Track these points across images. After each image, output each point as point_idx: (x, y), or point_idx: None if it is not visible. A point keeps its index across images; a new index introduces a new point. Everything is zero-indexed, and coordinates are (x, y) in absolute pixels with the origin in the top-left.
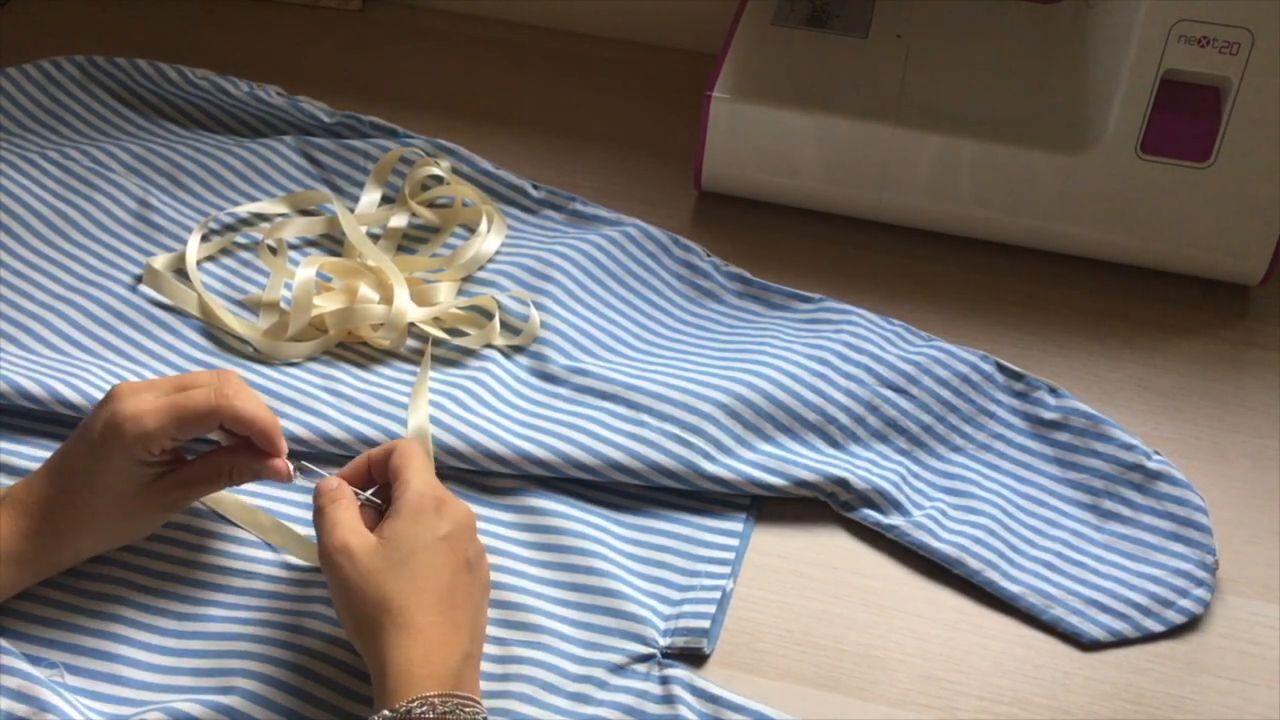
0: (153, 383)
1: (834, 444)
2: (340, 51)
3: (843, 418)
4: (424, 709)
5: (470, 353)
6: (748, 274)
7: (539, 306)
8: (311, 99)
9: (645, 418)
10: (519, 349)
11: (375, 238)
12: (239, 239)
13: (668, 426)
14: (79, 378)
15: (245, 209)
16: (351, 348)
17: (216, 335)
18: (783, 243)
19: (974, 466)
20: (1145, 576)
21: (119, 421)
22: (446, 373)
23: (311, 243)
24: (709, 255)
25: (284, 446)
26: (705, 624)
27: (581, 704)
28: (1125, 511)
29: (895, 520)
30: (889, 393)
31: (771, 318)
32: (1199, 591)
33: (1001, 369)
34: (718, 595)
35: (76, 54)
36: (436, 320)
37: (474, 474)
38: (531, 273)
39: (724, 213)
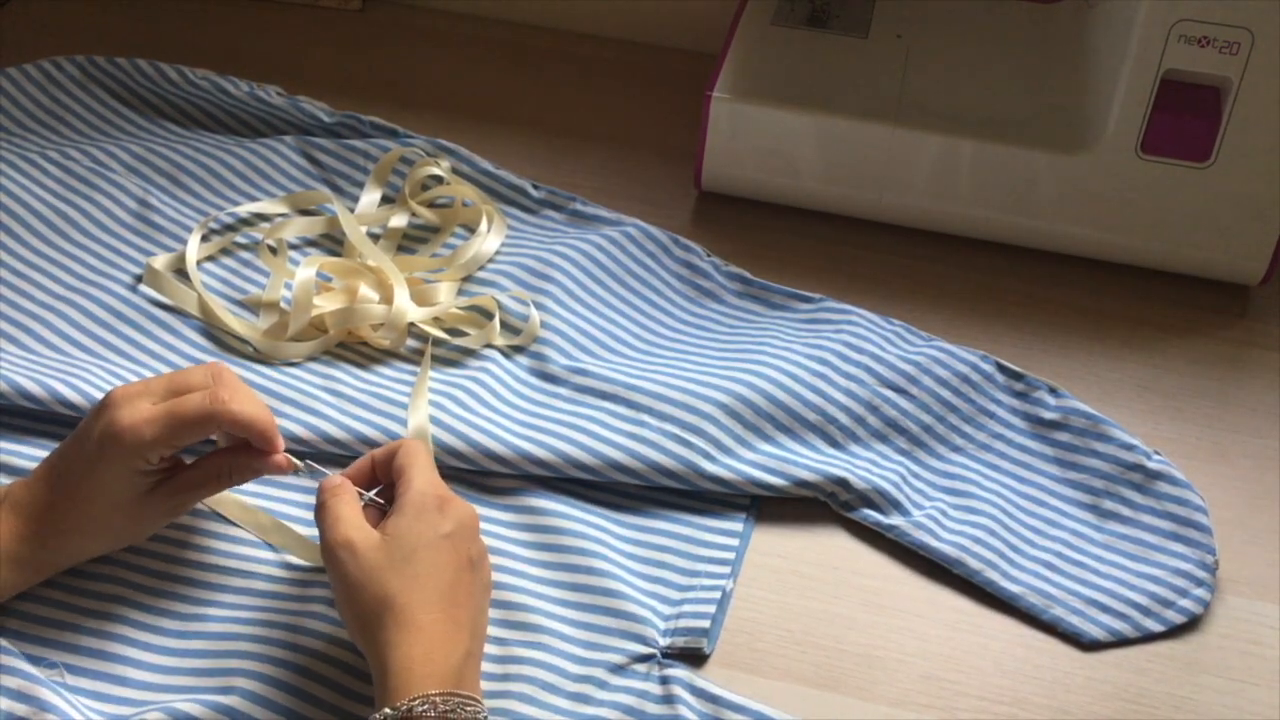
0: (148, 385)
1: (834, 444)
2: (340, 51)
3: (843, 418)
4: (425, 707)
5: (470, 353)
6: (748, 274)
7: (539, 306)
8: (311, 99)
9: (645, 418)
10: (519, 349)
11: (375, 238)
12: (239, 239)
13: (668, 426)
14: (79, 378)
15: (245, 209)
16: (351, 348)
17: (216, 335)
18: (783, 243)
19: (974, 466)
20: (1145, 576)
21: (116, 432)
22: (446, 373)
23: (311, 243)
24: (709, 255)
25: (281, 443)
26: (705, 624)
27: (581, 704)
28: (1125, 511)
29: (895, 520)
30: (889, 393)
31: (771, 318)
32: (1199, 591)
33: (1001, 369)
34: (718, 595)
35: (76, 54)
36: (436, 320)
37: (474, 474)
38: (531, 273)
39: (724, 213)
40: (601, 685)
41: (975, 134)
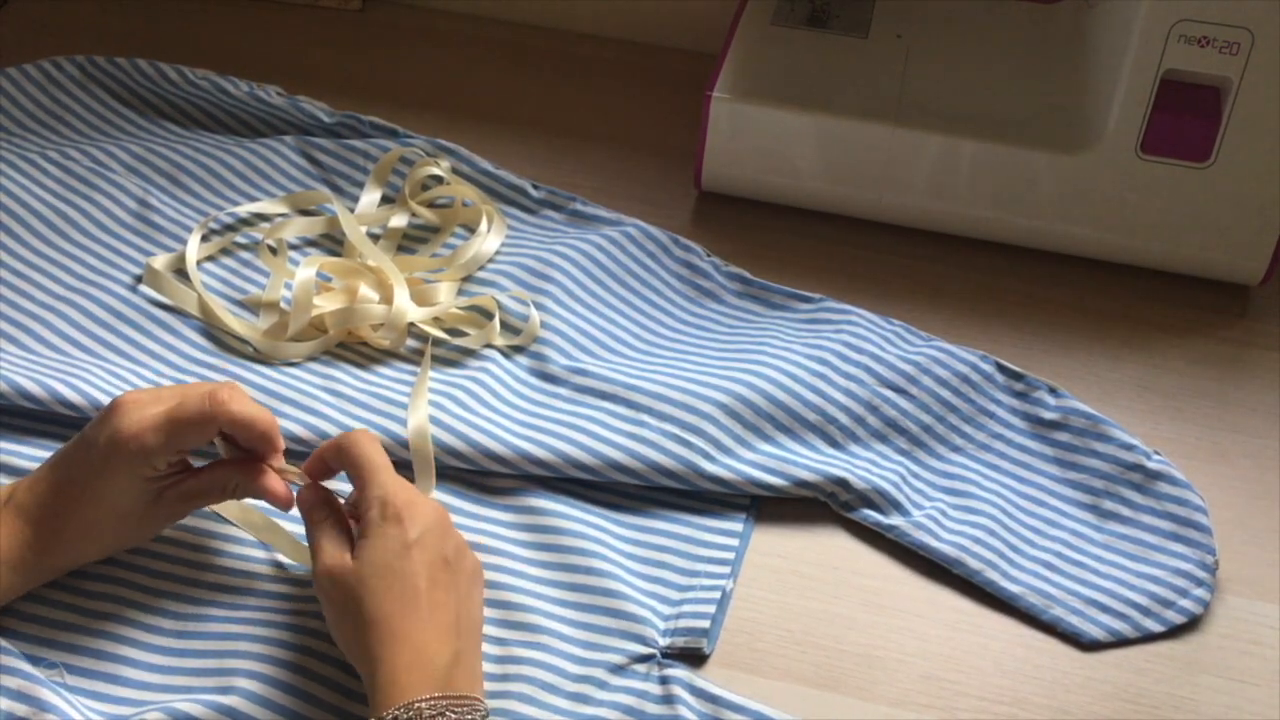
0: (158, 394)
1: (834, 444)
2: (340, 51)
3: (843, 418)
4: (409, 716)
5: (470, 353)
6: (748, 274)
7: (539, 306)
8: (311, 99)
9: (645, 418)
10: (519, 349)
11: (375, 238)
12: (239, 239)
13: (668, 426)
14: (79, 378)
15: (245, 209)
16: (351, 348)
17: (216, 335)
18: (783, 243)
19: (974, 466)
20: (1145, 576)
21: (122, 440)
22: (446, 373)
23: (311, 243)
24: (709, 255)
25: (281, 444)
26: (705, 624)
27: (581, 704)
28: (1125, 511)
29: (895, 520)
30: (889, 393)
31: (771, 318)
32: (1199, 591)
33: (1001, 369)
34: (717, 595)
35: (76, 54)
36: (436, 320)
37: (474, 474)
38: (531, 273)
39: (724, 213)
40: (601, 685)
41: (975, 134)
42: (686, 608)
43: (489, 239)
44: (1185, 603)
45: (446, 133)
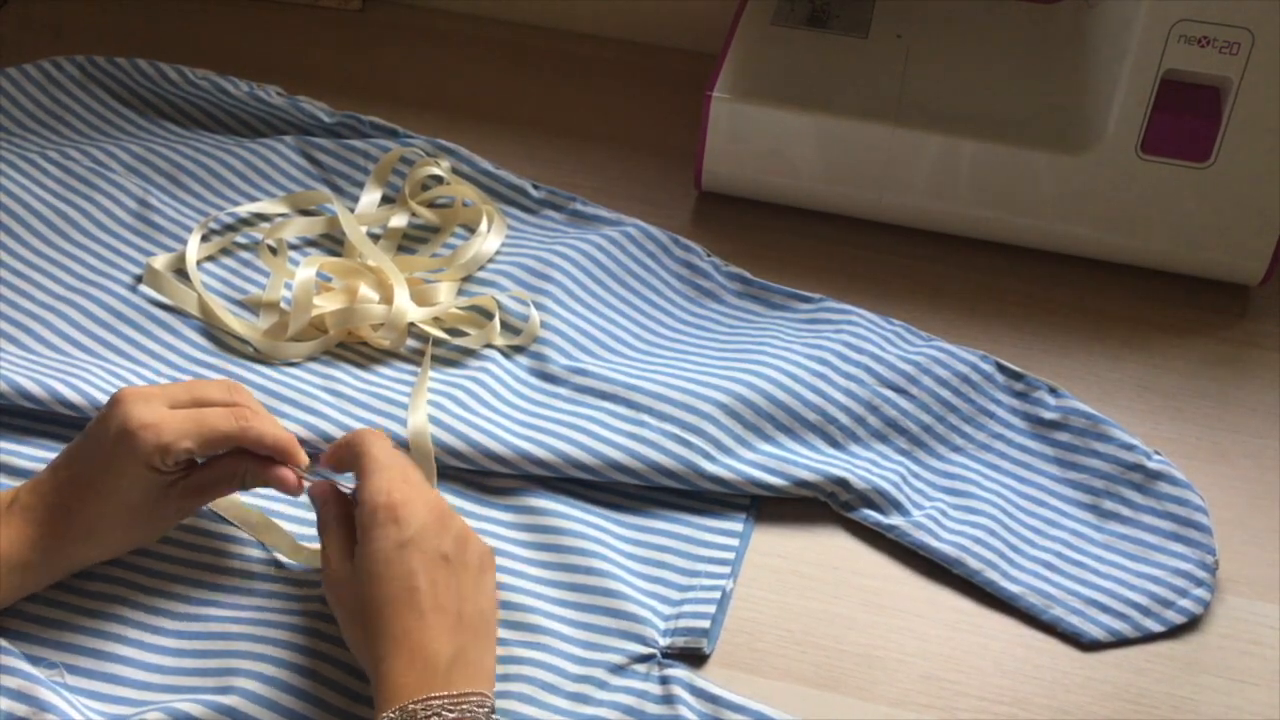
0: (164, 390)
1: (834, 444)
2: (340, 51)
3: (843, 418)
4: (403, 719)
5: (470, 353)
6: (748, 274)
7: (539, 306)
8: (311, 99)
9: (645, 418)
10: (519, 349)
11: (375, 238)
12: (239, 239)
13: (668, 426)
14: (79, 378)
15: (245, 209)
16: (351, 348)
17: (216, 335)
18: (783, 243)
19: (974, 466)
20: (1145, 576)
21: (133, 430)
22: (446, 373)
23: (311, 243)
24: (709, 255)
25: (304, 459)
26: (705, 624)
27: (581, 704)
28: (1125, 511)
29: (895, 520)
30: (889, 393)
31: (771, 318)
32: (1199, 591)
33: (1001, 369)
34: (718, 595)
35: (76, 54)
36: (436, 320)
37: (474, 474)
38: (531, 273)
39: (724, 213)
40: (601, 685)
41: (975, 134)
42: (686, 608)
43: (489, 239)
44: (1185, 603)
45: (446, 133)
